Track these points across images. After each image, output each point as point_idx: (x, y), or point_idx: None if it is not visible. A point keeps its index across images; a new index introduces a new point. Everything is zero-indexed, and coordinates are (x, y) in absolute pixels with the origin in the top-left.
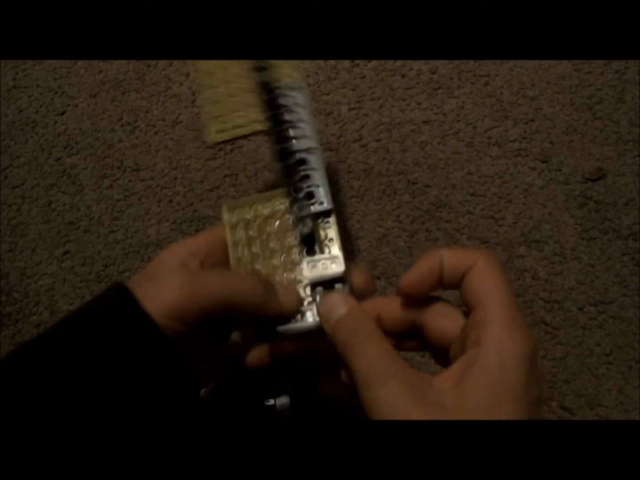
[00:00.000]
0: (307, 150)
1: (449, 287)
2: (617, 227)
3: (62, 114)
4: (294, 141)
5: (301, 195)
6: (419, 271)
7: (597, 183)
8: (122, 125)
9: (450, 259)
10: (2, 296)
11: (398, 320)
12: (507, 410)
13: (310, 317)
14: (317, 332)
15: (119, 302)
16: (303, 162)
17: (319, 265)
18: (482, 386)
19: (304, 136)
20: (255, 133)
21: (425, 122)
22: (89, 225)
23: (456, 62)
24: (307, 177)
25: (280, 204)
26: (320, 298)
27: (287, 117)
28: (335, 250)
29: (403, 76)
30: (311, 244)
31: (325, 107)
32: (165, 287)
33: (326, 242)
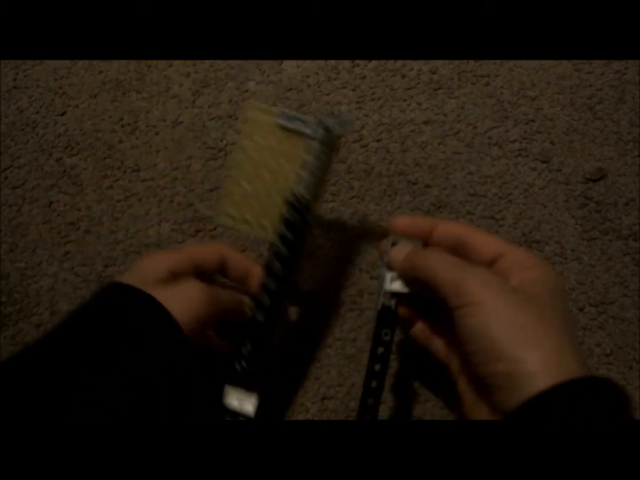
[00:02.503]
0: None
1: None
2: (618, 227)
3: (63, 114)
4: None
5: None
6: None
7: (597, 183)
8: (122, 126)
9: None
10: (3, 297)
11: (447, 235)
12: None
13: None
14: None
15: (150, 309)
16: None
17: (235, 398)
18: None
19: (293, 271)
20: (257, 237)
21: (426, 122)
22: (89, 226)
23: (456, 62)
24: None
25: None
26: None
27: (290, 247)
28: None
29: (403, 76)
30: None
31: (325, 107)
32: (188, 298)
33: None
